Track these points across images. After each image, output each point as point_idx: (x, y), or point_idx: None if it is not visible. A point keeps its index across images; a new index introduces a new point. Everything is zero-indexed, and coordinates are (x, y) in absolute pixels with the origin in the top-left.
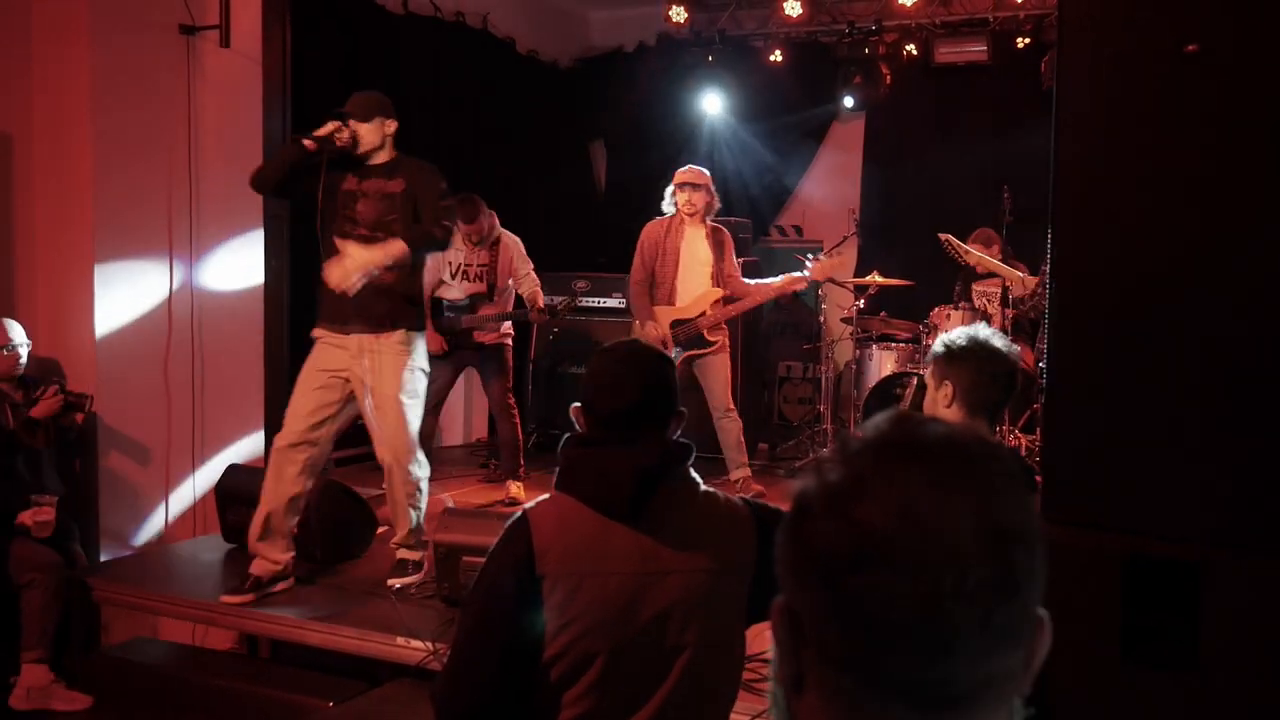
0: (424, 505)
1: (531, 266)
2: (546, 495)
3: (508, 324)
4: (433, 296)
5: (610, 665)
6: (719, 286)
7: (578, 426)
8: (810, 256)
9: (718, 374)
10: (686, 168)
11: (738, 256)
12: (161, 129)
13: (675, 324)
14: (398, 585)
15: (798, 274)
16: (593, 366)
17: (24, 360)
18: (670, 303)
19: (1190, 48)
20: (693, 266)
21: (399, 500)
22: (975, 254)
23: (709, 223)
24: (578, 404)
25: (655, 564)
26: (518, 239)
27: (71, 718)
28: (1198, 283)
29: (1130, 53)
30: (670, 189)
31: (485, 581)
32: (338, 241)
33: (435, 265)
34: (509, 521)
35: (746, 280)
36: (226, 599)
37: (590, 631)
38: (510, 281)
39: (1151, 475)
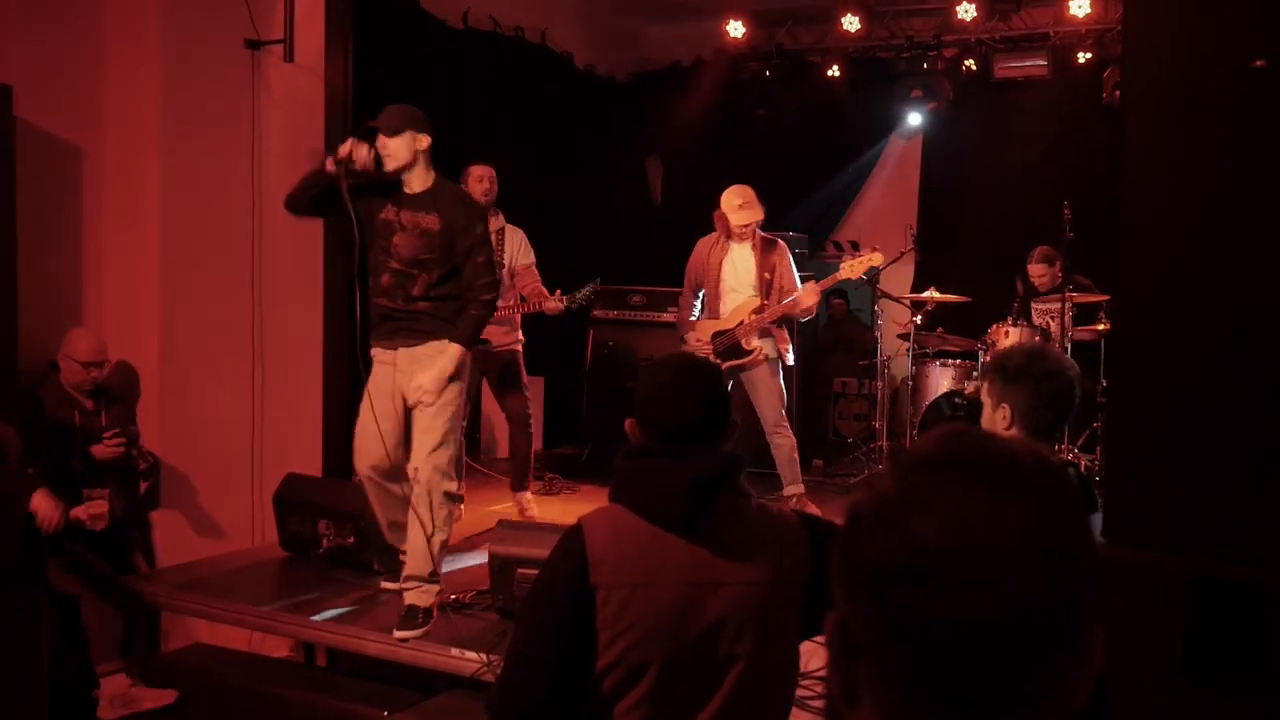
0: (446, 537)
1: (534, 260)
2: (602, 507)
3: (518, 330)
4: None
5: (663, 676)
6: (767, 294)
7: (632, 440)
8: (851, 254)
9: (764, 388)
10: (741, 191)
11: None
12: (227, 143)
13: (715, 335)
14: (405, 638)
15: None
16: (646, 380)
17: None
18: (716, 315)
19: (1258, 63)
20: (735, 280)
21: (419, 525)
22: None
23: (758, 235)
24: (631, 418)
25: (708, 575)
26: (522, 231)
27: (161, 715)
28: (1268, 301)
29: (1196, 67)
30: (723, 213)
31: (539, 591)
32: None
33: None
34: (563, 533)
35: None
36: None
37: (643, 642)
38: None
39: (1216, 496)
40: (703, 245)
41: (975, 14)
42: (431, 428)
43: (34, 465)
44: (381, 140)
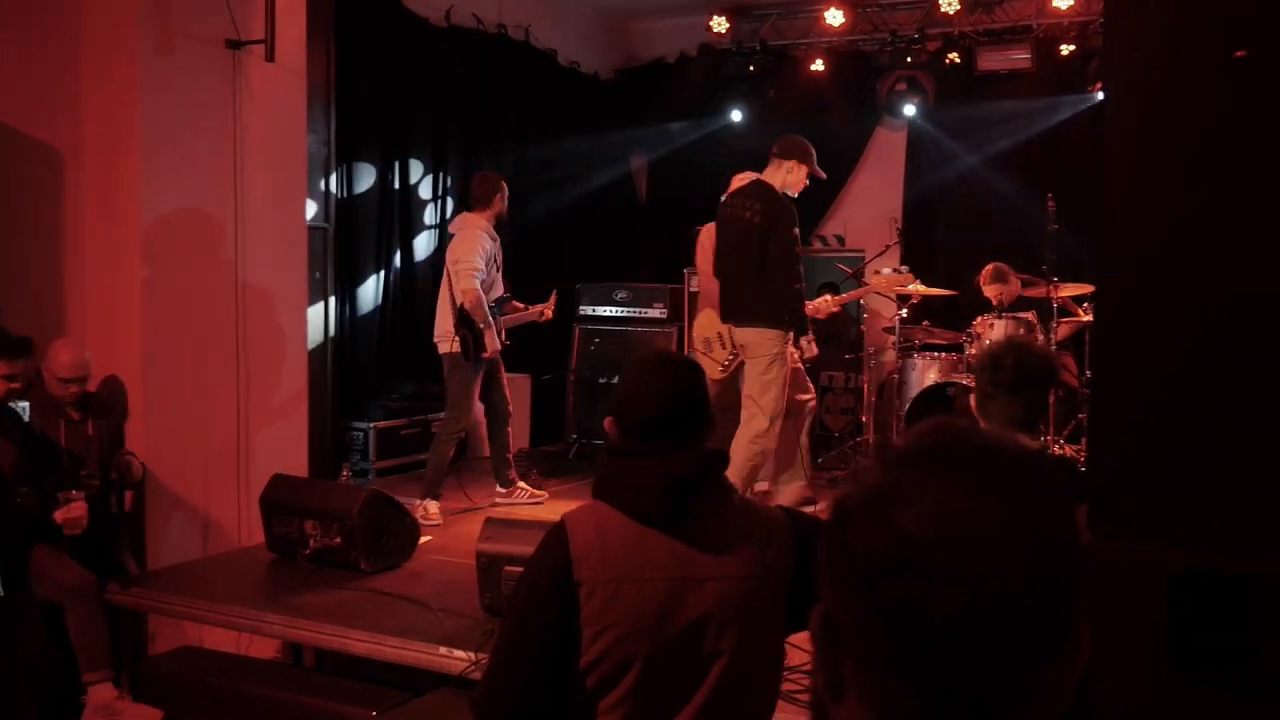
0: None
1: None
2: (585, 504)
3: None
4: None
5: (647, 671)
6: None
7: (611, 438)
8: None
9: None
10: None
11: None
12: (208, 143)
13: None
14: None
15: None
16: (625, 378)
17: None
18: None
19: (1239, 53)
20: None
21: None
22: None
23: None
24: (610, 416)
25: (692, 571)
26: None
27: None
28: (1249, 290)
29: (1177, 58)
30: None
31: (524, 589)
32: None
33: (484, 253)
34: (547, 530)
35: None
36: None
37: (627, 638)
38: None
39: (1203, 486)
40: (706, 232)
41: (958, 7)
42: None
43: (25, 484)
44: None
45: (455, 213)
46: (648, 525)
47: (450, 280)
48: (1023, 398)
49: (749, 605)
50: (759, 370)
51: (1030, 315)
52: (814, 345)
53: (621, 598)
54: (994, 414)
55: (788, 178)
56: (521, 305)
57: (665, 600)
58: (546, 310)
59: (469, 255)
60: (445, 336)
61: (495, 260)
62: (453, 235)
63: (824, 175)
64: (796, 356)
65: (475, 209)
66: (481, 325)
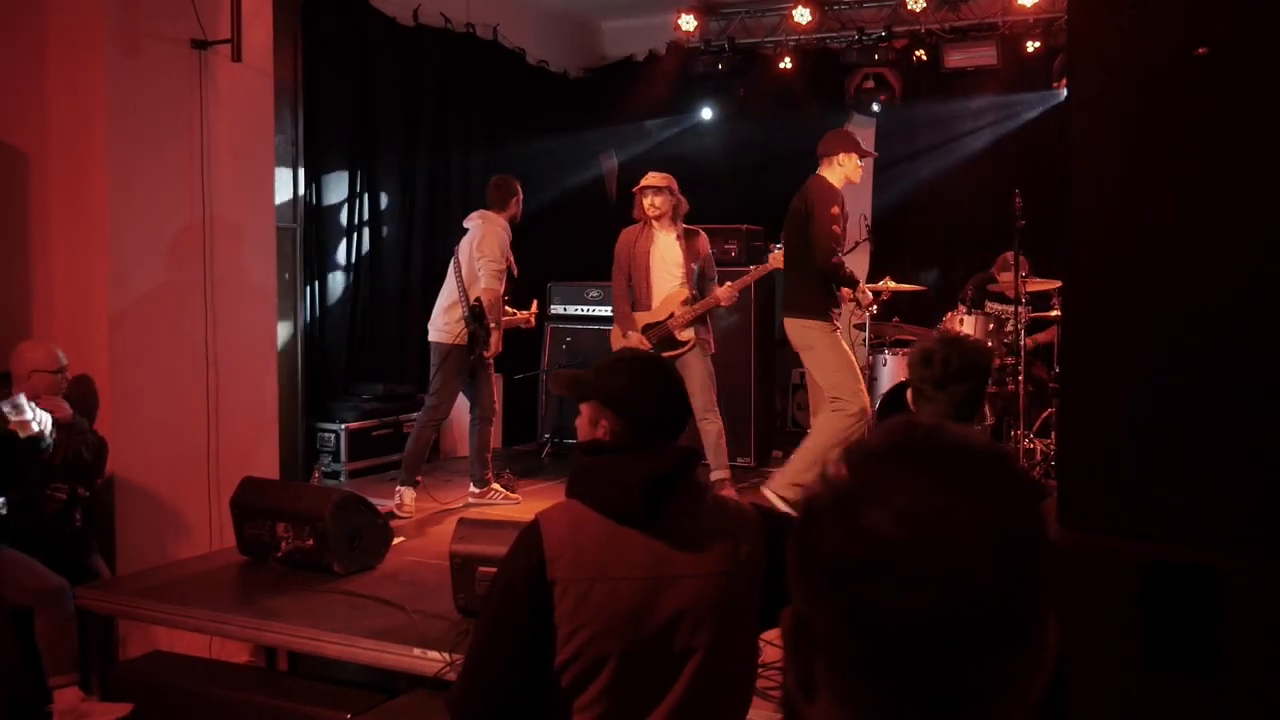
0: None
1: None
2: (559, 503)
3: None
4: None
5: (621, 670)
6: (689, 287)
7: (602, 435)
8: (775, 246)
9: (696, 374)
10: (649, 174)
11: (750, 264)
12: (175, 144)
13: (646, 328)
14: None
15: (763, 265)
16: (623, 377)
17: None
18: (647, 307)
19: (1200, 50)
20: (663, 269)
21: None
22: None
23: (680, 225)
24: (597, 413)
25: (666, 569)
26: None
27: None
28: (1215, 285)
29: (1141, 56)
30: (637, 192)
31: (498, 589)
32: None
33: (506, 252)
34: (520, 530)
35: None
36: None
37: (601, 636)
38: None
39: (1170, 479)
40: (628, 234)
41: (924, 4)
42: None
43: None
44: None
45: (427, 212)
46: (623, 524)
47: (460, 271)
48: (949, 392)
49: (723, 602)
50: (809, 362)
51: (1025, 310)
52: (867, 293)
53: (596, 595)
54: (926, 410)
55: (843, 171)
56: (511, 310)
57: (639, 598)
58: (530, 317)
59: (495, 252)
60: (443, 326)
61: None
62: (468, 229)
63: (875, 153)
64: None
65: (493, 209)
66: (492, 325)
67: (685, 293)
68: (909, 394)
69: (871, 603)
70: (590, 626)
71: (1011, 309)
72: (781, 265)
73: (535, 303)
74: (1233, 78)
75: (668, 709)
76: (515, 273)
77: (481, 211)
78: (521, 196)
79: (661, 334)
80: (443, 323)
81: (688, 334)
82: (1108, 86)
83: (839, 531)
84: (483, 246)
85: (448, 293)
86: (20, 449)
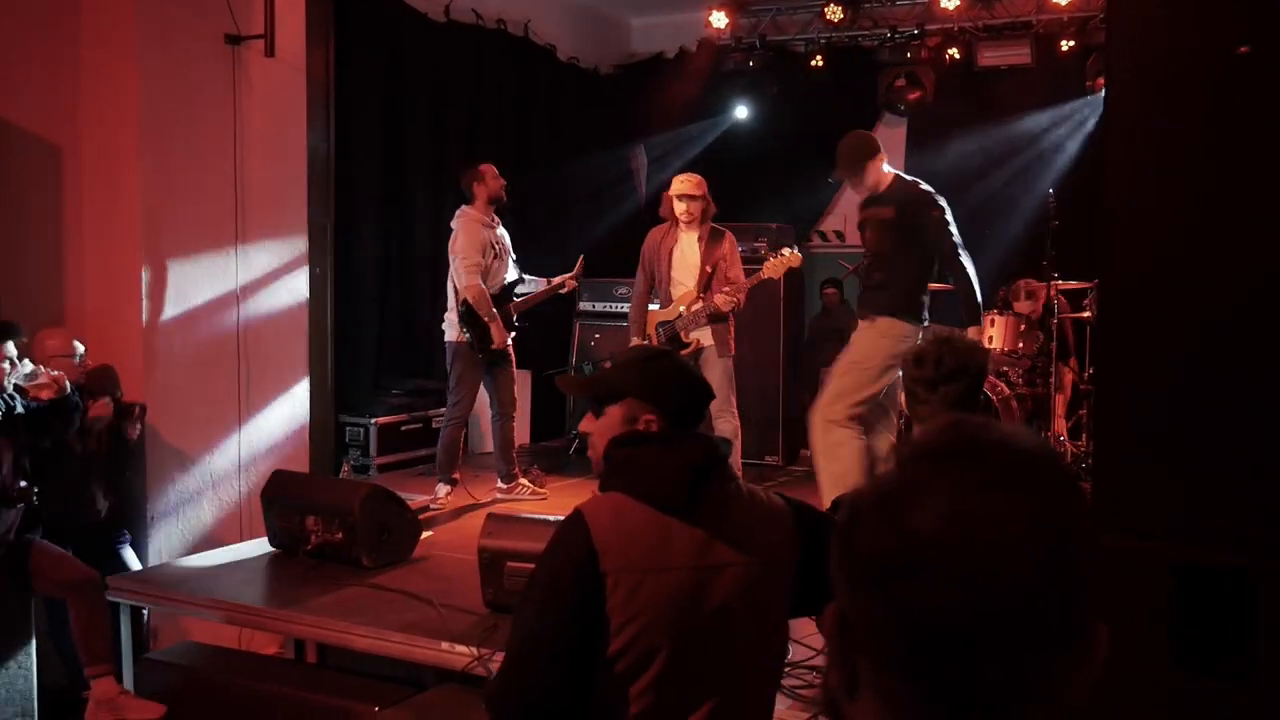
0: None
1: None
2: (598, 495)
3: None
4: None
5: (671, 660)
6: (706, 288)
7: (645, 429)
8: (783, 251)
9: (714, 374)
10: (683, 177)
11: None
12: (207, 138)
13: (660, 325)
14: None
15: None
16: (660, 371)
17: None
18: (666, 303)
19: (1242, 49)
20: (682, 269)
21: None
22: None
23: (707, 226)
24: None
25: (712, 558)
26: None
27: None
28: (1254, 288)
29: (1180, 55)
30: (669, 196)
31: (544, 581)
32: None
33: (481, 244)
34: (563, 522)
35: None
36: None
37: (652, 627)
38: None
39: (1205, 484)
40: (654, 234)
41: (958, 3)
42: None
43: (23, 478)
44: None
45: (456, 207)
46: (666, 513)
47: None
48: (941, 393)
49: (760, 591)
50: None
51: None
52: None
53: (646, 587)
54: (921, 411)
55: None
56: (544, 280)
57: (689, 588)
58: (569, 280)
59: (466, 249)
60: (450, 325)
61: (494, 246)
62: (452, 230)
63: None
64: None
65: (467, 203)
66: (486, 319)
67: (694, 294)
68: (902, 396)
69: (915, 602)
70: (642, 617)
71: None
72: (777, 276)
73: (581, 260)
74: (1273, 74)
75: (719, 697)
76: (498, 254)
77: (459, 209)
78: (490, 173)
79: (670, 333)
80: (448, 322)
81: (692, 336)
82: (1145, 82)
83: (884, 530)
84: (454, 246)
85: (449, 291)
86: (49, 420)
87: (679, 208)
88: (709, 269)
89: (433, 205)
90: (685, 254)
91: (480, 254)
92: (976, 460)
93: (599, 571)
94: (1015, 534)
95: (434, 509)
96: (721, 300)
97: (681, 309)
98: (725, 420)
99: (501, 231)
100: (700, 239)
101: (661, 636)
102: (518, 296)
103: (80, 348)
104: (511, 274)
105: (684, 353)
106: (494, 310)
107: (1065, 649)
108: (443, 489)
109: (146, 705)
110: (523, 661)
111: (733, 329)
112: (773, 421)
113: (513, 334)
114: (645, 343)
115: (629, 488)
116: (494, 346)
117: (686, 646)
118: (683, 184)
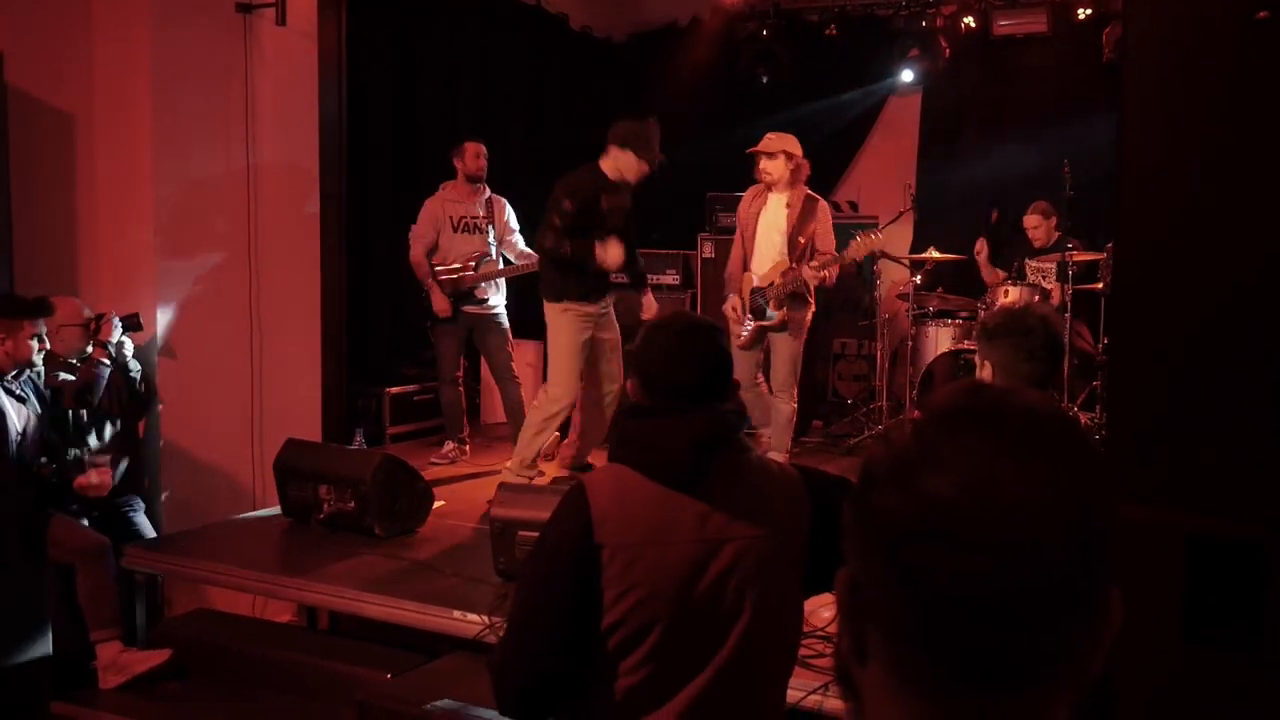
0: (539, 444)
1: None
2: (603, 466)
3: (501, 298)
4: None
5: (669, 633)
6: (793, 256)
7: (633, 399)
8: (866, 233)
9: (781, 353)
10: (767, 135)
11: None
12: (219, 107)
13: (753, 292)
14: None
15: (858, 245)
16: (649, 341)
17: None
18: (752, 271)
19: (1261, 14)
20: (767, 235)
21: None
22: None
23: (800, 190)
24: (633, 378)
25: (713, 532)
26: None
27: (163, 677)
28: (1271, 256)
29: (1198, 22)
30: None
31: (543, 552)
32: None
33: (434, 219)
34: (565, 493)
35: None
36: None
37: (649, 600)
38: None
39: (1217, 453)
40: (747, 195)
41: None
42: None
43: (45, 453)
44: None
45: None
46: (670, 486)
47: None
48: (1034, 365)
49: (768, 565)
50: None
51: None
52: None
53: (644, 560)
54: (1019, 376)
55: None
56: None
57: (688, 562)
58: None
59: (418, 222)
60: None
61: (461, 221)
62: None
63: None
64: None
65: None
66: (426, 288)
67: (785, 264)
68: (983, 364)
69: (928, 569)
70: (638, 590)
71: (1053, 281)
72: (860, 257)
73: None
74: None
75: (714, 671)
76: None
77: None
78: (471, 151)
79: (758, 302)
80: None
81: (784, 309)
82: (1162, 50)
83: (898, 495)
84: None
85: None
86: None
87: (761, 167)
88: (801, 239)
89: (444, 174)
90: (771, 218)
91: (431, 227)
92: (996, 426)
93: (595, 543)
94: (1036, 501)
95: (440, 463)
96: (809, 274)
97: (775, 280)
98: (783, 403)
99: (485, 208)
100: (790, 204)
101: (658, 611)
102: (502, 268)
103: (89, 312)
104: (490, 248)
105: (767, 324)
106: (431, 280)
107: (1084, 617)
108: (448, 445)
109: (150, 655)
110: (523, 631)
111: (811, 309)
112: None
113: (486, 304)
114: (731, 301)
115: (632, 460)
116: (437, 313)
117: (684, 621)
118: (764, 142)
